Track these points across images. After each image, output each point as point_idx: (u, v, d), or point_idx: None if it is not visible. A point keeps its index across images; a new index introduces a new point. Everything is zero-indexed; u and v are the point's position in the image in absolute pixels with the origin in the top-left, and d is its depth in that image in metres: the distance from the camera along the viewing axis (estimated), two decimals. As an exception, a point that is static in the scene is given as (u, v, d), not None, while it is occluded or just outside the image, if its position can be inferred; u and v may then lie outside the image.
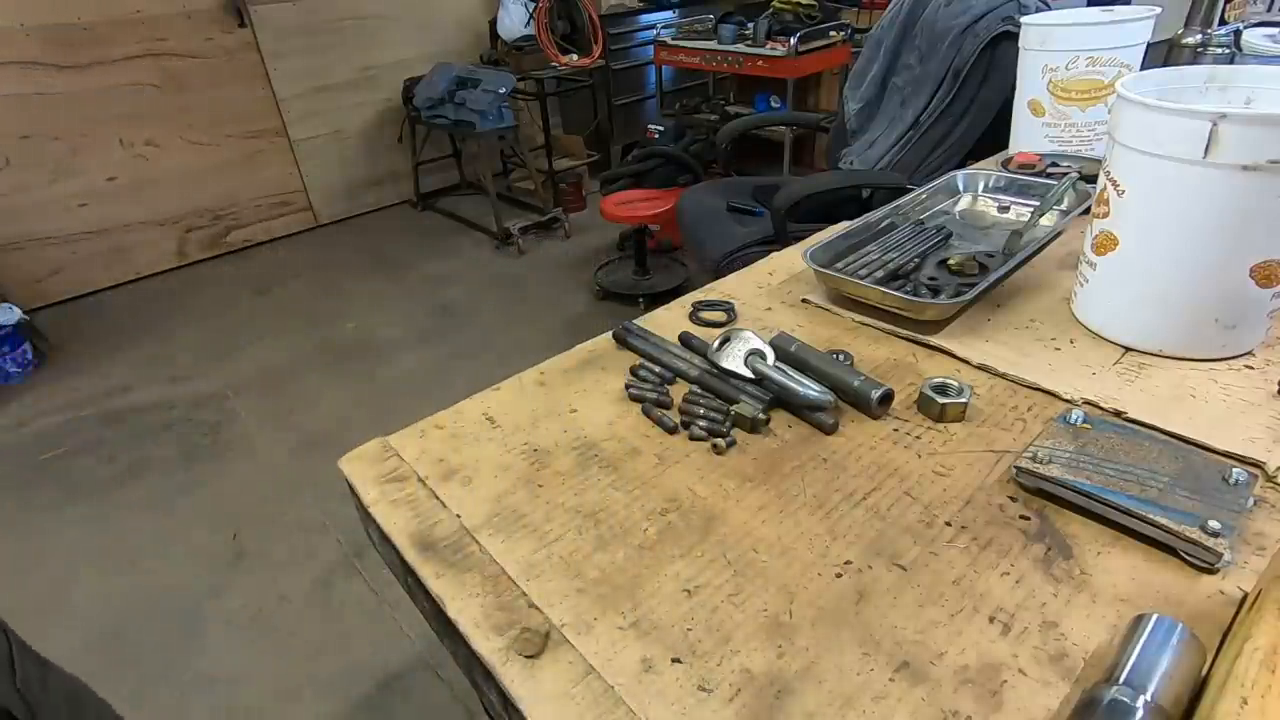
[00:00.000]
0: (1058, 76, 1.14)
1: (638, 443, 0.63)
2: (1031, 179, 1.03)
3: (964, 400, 0.63)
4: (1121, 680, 0.37)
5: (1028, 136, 1.22)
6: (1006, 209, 1.02)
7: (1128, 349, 0.71)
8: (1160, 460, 0.53)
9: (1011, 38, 1.41)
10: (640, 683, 0.43)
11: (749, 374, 0.67)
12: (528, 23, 3.36)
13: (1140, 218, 0.66)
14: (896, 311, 0.78)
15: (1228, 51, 1.16)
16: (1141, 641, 0.39)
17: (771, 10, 3.32)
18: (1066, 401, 0.64)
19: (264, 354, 2.57)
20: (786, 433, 0.64)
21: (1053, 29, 1.13)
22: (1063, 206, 0.93)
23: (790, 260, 0.96)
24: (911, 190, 1.04)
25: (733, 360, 0.68)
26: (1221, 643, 0.42)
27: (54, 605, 1.59)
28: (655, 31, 3.53)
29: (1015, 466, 0.55)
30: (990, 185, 1.05)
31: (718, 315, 0.83)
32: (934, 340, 0.74)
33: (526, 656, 0.45)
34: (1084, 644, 0.44)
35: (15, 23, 2.65)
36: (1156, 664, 0.38)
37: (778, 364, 0.67)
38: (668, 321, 0.82)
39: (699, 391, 0.68)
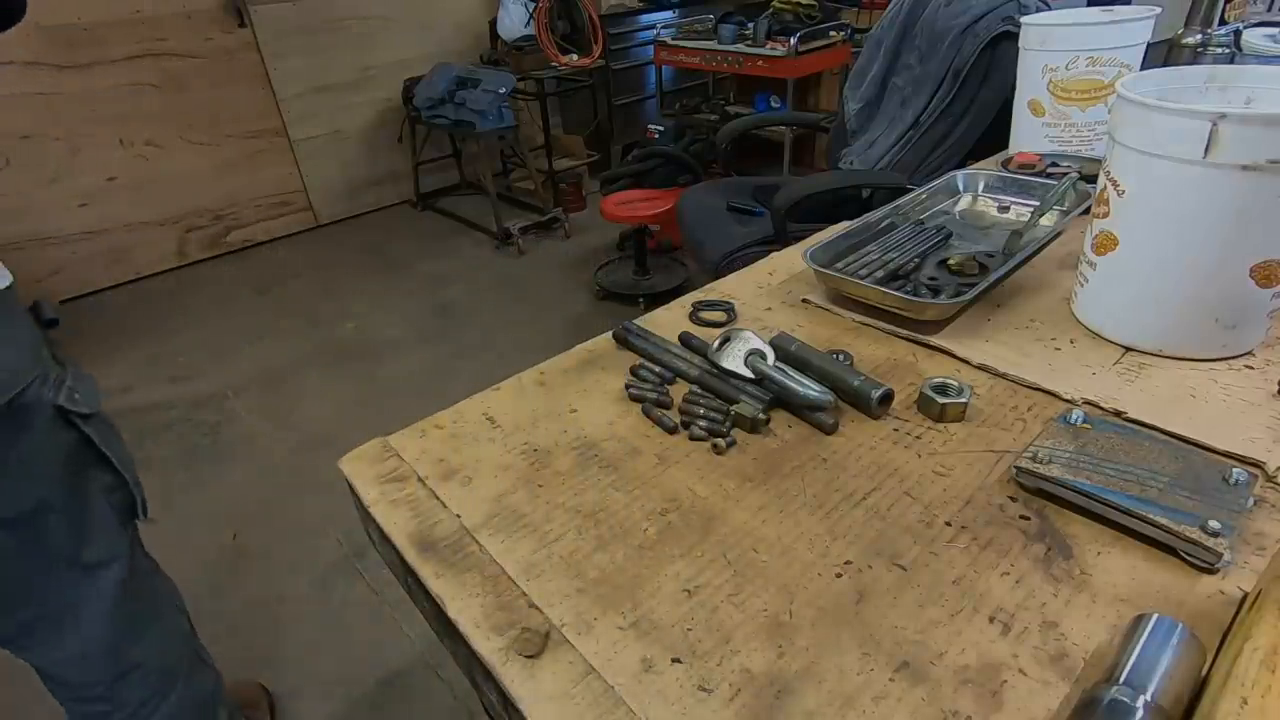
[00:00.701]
0: (1058, 76, 1.14)
1: (638, 443, 0.63)
2: (1031, 179, 1.03)
3: (964, 400, 0.63)
4: (1121, 680, 0.37)
5: (1028, 136, 1.22)
6: (1006, 209, 1.02)
7: (1128, 349, 0.71)
8: (1160, 460, 0.53)
9: (1011, 38, 1.41)
10: (640, 683, 0.43)
11: (749, 374, 0.67)
12: (528, 23, 3.36)
13: (1140, 218, 0.66)
14: (896, 311, 0.78)
15: (1228, 51, 1.16)
16: (1141, 641, 0.39)
17: (771, 10, 3.32)
18: (1066, 401, 0.64)
19: (264, 354, 2.57)
20: (786, 433, 0.64)
21: (1053, 29, 1.13)
22: (1063, 206, 0.93)
23: (790, 260, 0.96)
24: (911, 190, 1.04)
25: (733, 360, 0.68)
26: (1221, 643, 0.42)
27: (54, 605, 1.58)
28: (655, 31, 3.53)
29: (1015, 466, 0.55)
30: (990, 185, 1.05)
31: (718, 315, 0.83)
32: (934, 340, 0.74)
33: (526, 656, 0.45)
34: (1084, 644, 0.44)
35: (15, 23, 2.65)
36: (1156, 664, 0.38)
37: (778, 364, 0.67)
38: (668, 321, 0.82)
39: (699, 391, 0.68)
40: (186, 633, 1.05)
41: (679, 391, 0.69)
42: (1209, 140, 0.57)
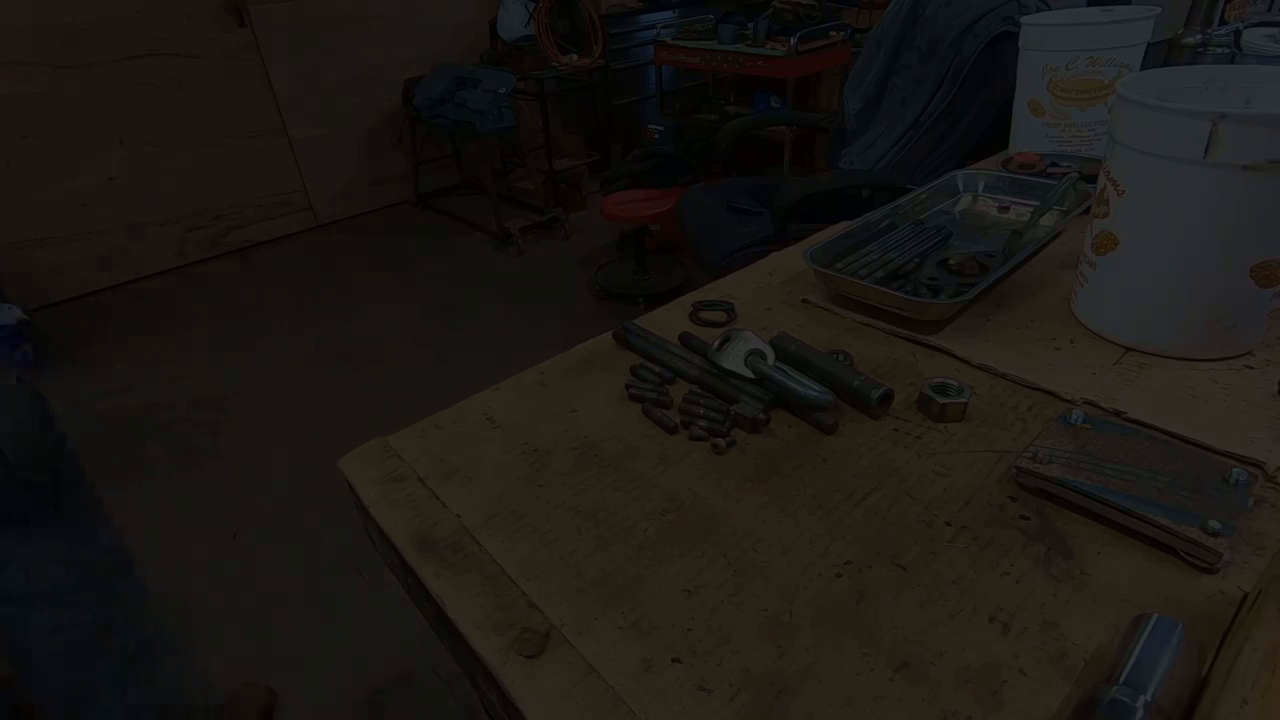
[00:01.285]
0: (1058, 76, 1.14)
1: (638, 443, 0.63)
2: (1031, 179, 1.03)
3: (964, 400, 0.63)
4: (1121, 680, 0.37)
5: (1028, 136, 1.22)
6: (1006, 209, 1.02)
7: (1128, 349, 0.71)
8: (1160, 460, 0.53)
9: (1011, 38, 1.41)
10: (640, 683, 0.43)
11: (749, 374, 0.67)
12: (528, 23, 3.36)
13: (1140, 218, 0.66)
14: (896, 311, 0.78)
15: (1228, 51, 1.16)
16: (1141, 641, 0.39)
17: (771, 10, 3.32)
18: (1066, 401, 0.64)
19: (264, 354, 2.57)
20: (786, 433, 0.64)
21: (1053, 29, 1.13)
22: (1063, 206, 0.93)
23: (790, 260, 0.96)
24: (911, 190, 1.04)
25: (733, 360, 0.68)
26: (1221, 643, 0.42)
27: (54, 605, 1.58)
28: (655, 31, 3.52)
29: (1015, 466, 0.55)
30: (990, 185, 1.05)
31: (718, 315, 0.82)
32: (934, 340, 0.74)
33: (526, 656, 0.45)
34: (1084, 644, 0.44)
35: (15, 22, 2.66)
36: (1156, 664, 0.38)
37: (778, 364, 0.67)
38: (668, 321, 0.82)
39: (699, 391, 0.68)
40: (124, 599, 1.06)
41: (679, 391, 0.69)
42: (1209, 140, 0.57)
